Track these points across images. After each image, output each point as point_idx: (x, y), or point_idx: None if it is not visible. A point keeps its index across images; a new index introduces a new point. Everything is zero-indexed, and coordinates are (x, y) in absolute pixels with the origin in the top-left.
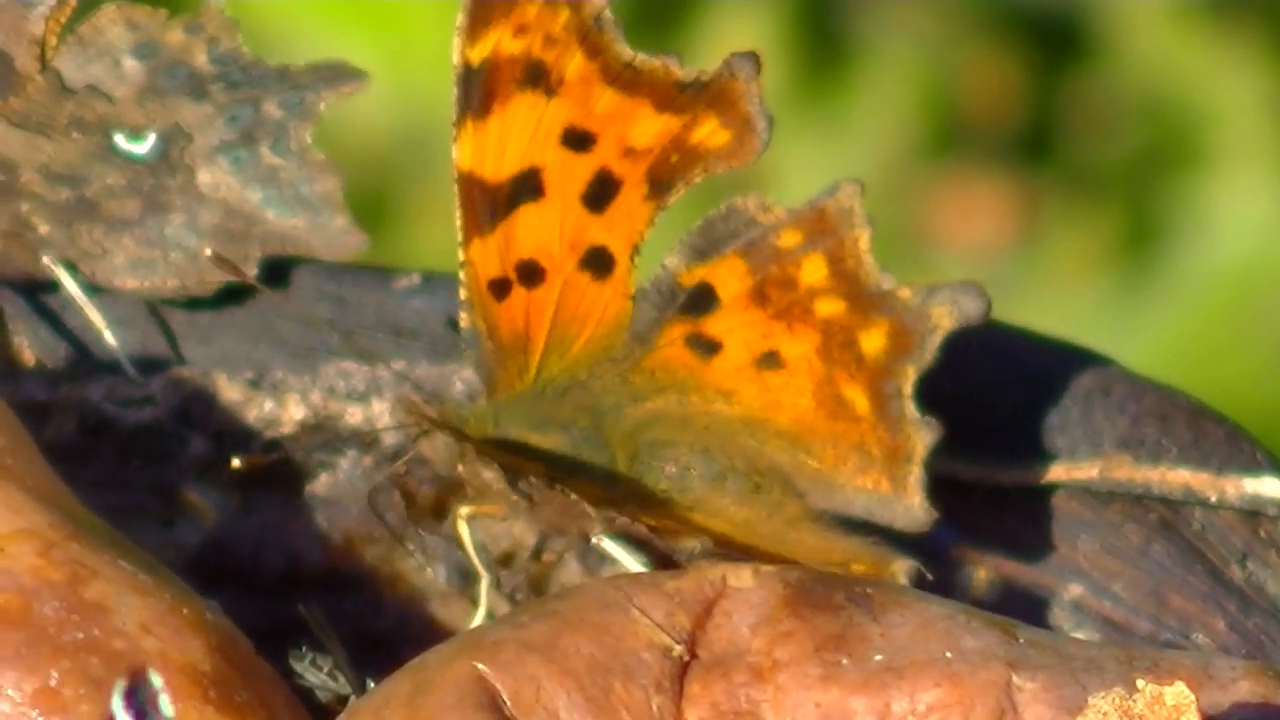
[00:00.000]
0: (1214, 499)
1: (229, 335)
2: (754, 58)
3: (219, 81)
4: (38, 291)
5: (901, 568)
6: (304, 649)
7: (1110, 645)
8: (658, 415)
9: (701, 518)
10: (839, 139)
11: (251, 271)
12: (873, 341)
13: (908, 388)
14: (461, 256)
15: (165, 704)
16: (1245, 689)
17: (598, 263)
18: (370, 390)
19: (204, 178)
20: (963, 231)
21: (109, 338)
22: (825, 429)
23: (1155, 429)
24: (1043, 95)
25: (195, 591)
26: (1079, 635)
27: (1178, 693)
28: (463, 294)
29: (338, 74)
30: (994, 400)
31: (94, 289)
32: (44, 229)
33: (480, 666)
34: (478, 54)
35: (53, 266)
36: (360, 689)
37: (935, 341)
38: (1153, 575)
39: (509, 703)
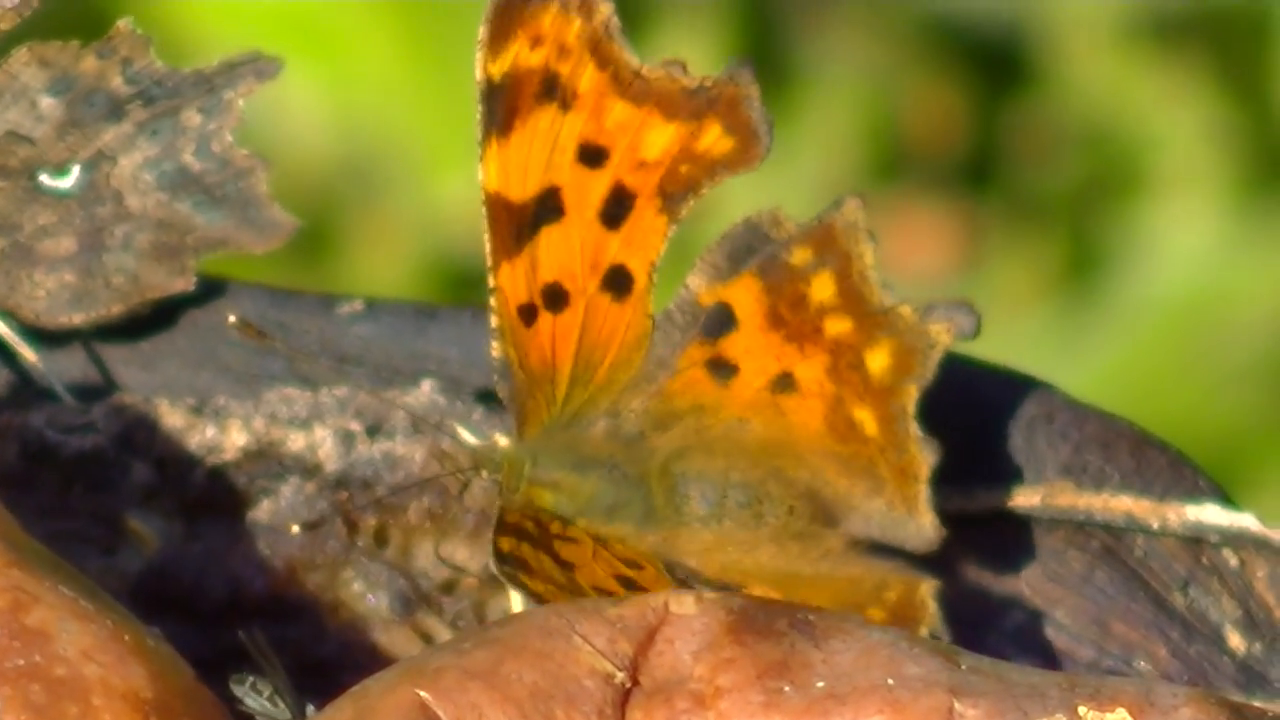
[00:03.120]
0: (1156, 526)
1: (171, 362)
2: (751, 65)
3: (136, 100)
4: None
5: (929, 588)
6: (245, 675)
7: (1052, 672)
8: (686, 444)
9: (739, 556)
10: (784, 165)
11: (191, 282)
12: (878, 361)
13: (911, 407)
14: (491, 282)
15: None
16: (1187, 716)
17: (618, 283)
18: (312, 416)
19: (132, 200)
20: (907, 258)
21: (46, 377)
22: (838, 452)
23: (1098, 456)
24: (986, 123)
25: (137, 618)
26: (1021, 662)
27: (1119, 719)
28: (494, 321)
29: (252, 65)
30: (937, 427)
31: (31, 330)
32: None
33: (422, 694)
34: (499, 68)
35: None
36: (301, 715)
37: (935, 359)
38: (1095, 602)
39: None
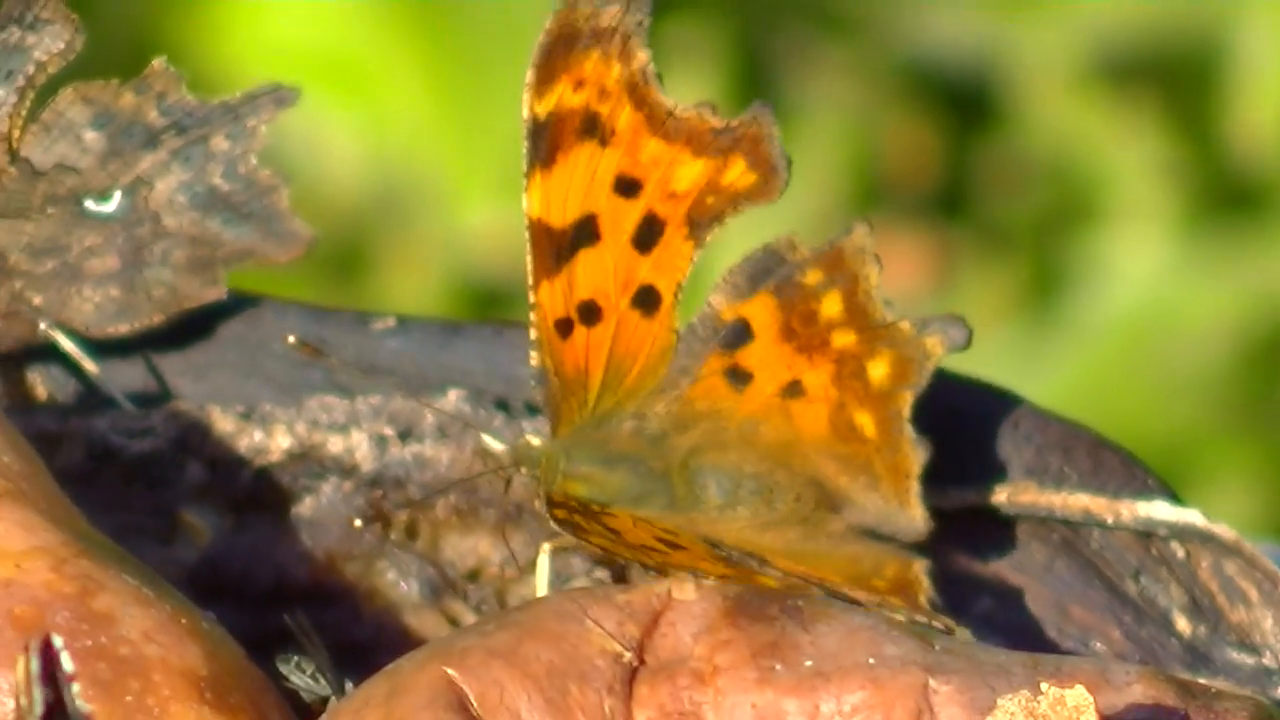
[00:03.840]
0: (1110, 521)
1: (221, 373)
2: (771, 108)
3: (170, 130)
4: (39, 356)
5: (921, 566)
6: (290, 655)
7: (1017, 652)
8: (704, 442)
9: (753, 535)
10: None
11: (223, 291)
12: (878, 370)
13: (906, 411)
14: (531, 299)
15: (66, 660)
16: (1139, 692)
17: (646, 301)
18: (350, 421)
19: (168, 219)
20: (886, 279)
21: (106, 386)
22: (840, 451)
23: (1058, 458)
24: (956, 158)
25: (192, 603)
26: (989, 643)
27: (1078, 695)
28: (533, 334)
29: (272, 95)
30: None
31: (89, 342)
32: (37, 300)
33: (450, 671)
34: (544, 108)
35: (51, 333)
36: (340, 691)
37: (930, 369)
38: (1055, 589)
39: (475, 704)
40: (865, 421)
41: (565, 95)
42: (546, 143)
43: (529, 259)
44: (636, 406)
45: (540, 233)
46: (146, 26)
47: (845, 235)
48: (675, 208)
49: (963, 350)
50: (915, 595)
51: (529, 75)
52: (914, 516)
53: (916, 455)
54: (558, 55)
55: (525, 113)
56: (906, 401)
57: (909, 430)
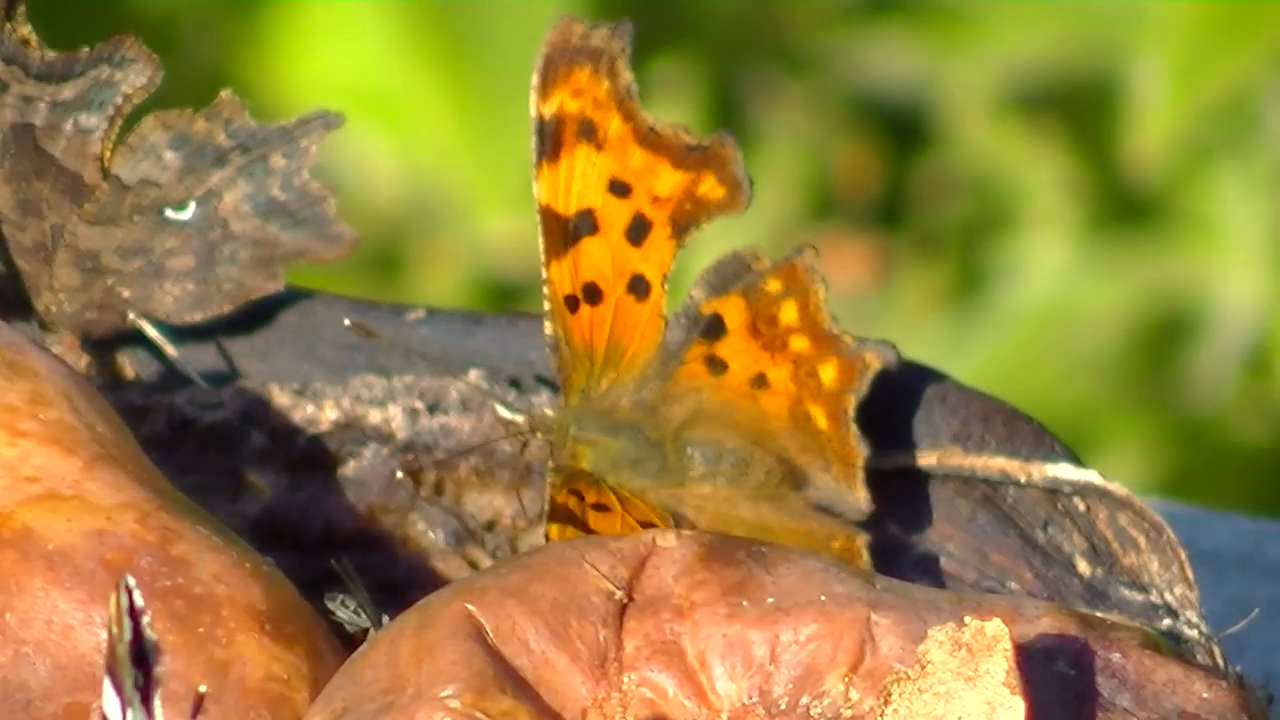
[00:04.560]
0: (1023, 480)
1: (281, 356)
2: (735, 134)
3: (236, 150)
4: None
5: (863, 540)
6: (336, 593)
7: (945, 591)
8: (691, 417)
9: (725, 506)
10: None
11: (281, 284)
12: (828, 373)
13: (852, 411)
14: (544, 274)
15: (138, 598)
16: (1047, 624)
17: (639, 287)
18: (387, 397)
19: (235, 225)
20: (836, 280)
21: (184, 367)
22: (799, 438)
23: (980, 427)
24: (895, 175)
25: (255, 550)
26: (922, 584)
27: (995, 626)
28: (545, 305)
29: (321, 120)
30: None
31: (170, 329)
32: (126, 293)
33: (470, 607)
34: (549, 109)
35: (138, 321)
36: (379, 624)
37: (869, 378)
38: (977, 538)
39: (491, 634)
40: (818, 414)
41: (565, 101)
42: (551, 140)
43: (540, 240)
44: (634, 383)
45: (549, 217)
46: (216, 64)
47: (798, 254)
48: (659, 210)
49: (894, 369)
50: (857, 564)
51: (534, 79)
52: (859, 499)
53: (861, 449)
54: (558, 65)
55: (532, 112)
56: (851, 403)
57: (854, 428)
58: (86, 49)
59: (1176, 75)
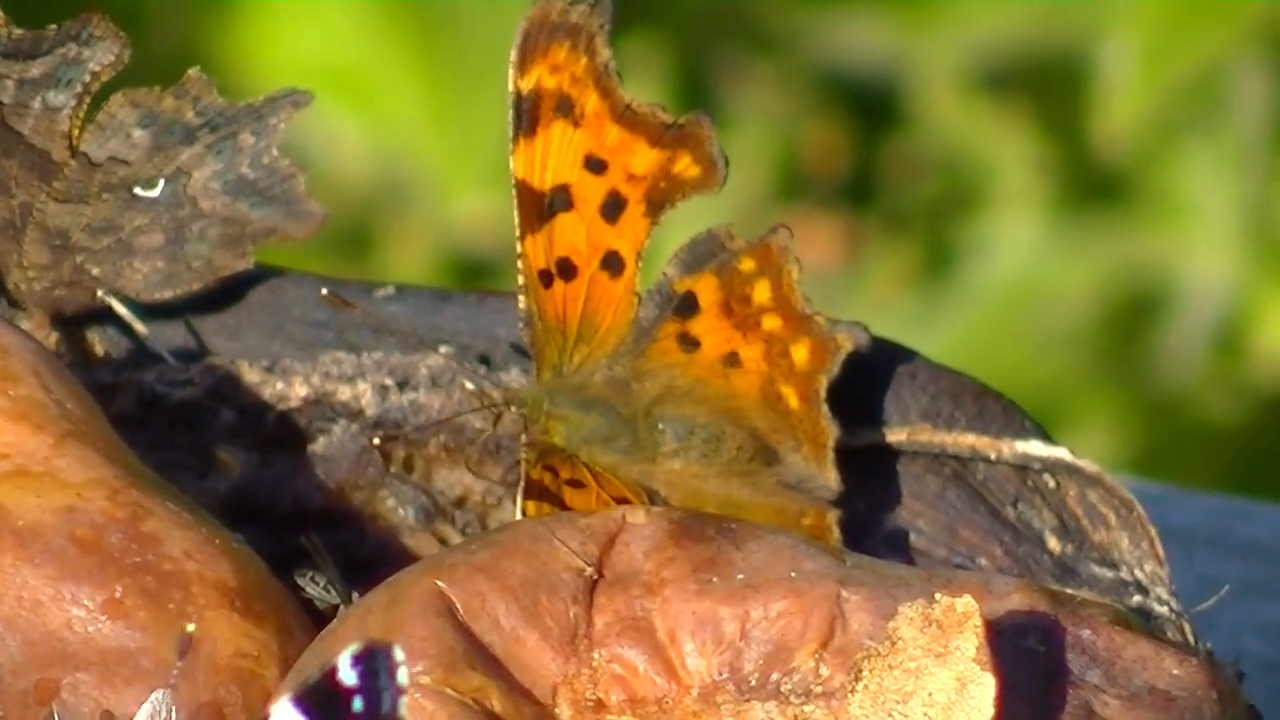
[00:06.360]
0: (993, 457)
1: (250, 333)
2: (710, 114)
3: (205, 128)
4: (98, 319)
5: (834, 516)
6: (306, 570)
7: (915, 568)
8: (663, 394)
9: (696, 482)
10: None
11: (250, 263)
12: (800, 353)
13: (823, 392)
14: (518, 249)
15: (403, 674)
16: (1016, 600)
17: (612, 264)
18: (356, 373)
19: (204, 203)
20: (806, 258)
21: (153, 344)
22: (770, 418)
23: (949, 404)
24: (864, 154)
25: (224, 527)
26: (892, 560)
27: (965, 603)
28: (519, 280)
29: (289, 98)
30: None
31: (139, 307)
32: (96, 271)
33: (440, 583)
34: (526, 85)
35: (106, 299)
36: (349, 600)
37: (840, 359)
38: (947, 514)
39: (462, 611)
40: (790, 395)
41: (543, 76)
42: (528, 115)
43: (515, 214)
44: (607, 359)
45: (525, 192)
46: (183, 42)
47: (772, 234)
48: (635, 188)
49: (865, 350)
50: (828, 540)
51: (513, 55)
52: (829, 479)
53: (831, 429)
54: (537, 40)
55: (510, 87)
56: (823, 384)
57: (825, 409)
58: (54, 27)
59: (1145, 54)
